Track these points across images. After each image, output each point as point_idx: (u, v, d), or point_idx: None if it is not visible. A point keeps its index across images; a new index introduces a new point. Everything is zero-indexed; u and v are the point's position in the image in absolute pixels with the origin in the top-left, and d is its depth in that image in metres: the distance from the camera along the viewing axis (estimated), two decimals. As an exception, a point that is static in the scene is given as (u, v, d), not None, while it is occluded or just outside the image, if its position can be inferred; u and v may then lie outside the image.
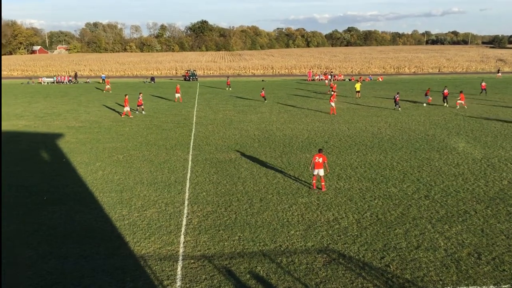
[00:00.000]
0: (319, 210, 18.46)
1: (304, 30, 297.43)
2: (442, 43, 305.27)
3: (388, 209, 18.49)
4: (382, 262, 14.12)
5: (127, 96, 42.59)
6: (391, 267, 13.83)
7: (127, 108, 41.65)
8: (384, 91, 63.96)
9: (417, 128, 35.50)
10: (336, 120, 39.18)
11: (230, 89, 67.80)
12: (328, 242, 15.56)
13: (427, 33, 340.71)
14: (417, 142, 30.52)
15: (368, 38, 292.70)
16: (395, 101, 45.38)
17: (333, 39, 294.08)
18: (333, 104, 43.38)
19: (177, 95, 53.83)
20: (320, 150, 21.49)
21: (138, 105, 43.85)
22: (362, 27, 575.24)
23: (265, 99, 52.79)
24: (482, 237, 15.77)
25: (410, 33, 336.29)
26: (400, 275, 13.35)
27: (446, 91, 48.04)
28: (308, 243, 15.54)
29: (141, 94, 45.55)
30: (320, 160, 20.75)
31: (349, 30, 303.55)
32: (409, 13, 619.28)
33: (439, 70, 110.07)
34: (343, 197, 19.96)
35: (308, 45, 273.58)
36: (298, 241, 15.66)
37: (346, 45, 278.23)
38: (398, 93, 47.86)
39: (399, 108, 44.62)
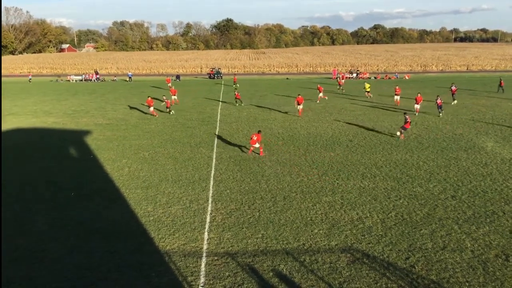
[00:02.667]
0: (343, 209, 18.35)
1: (329, 27, 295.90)
2: (471, 41, 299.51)
3: (413, 209, 18.26)
4: (407, 263, 13.96)
5: (149, 97, 42.76)
6: (416, 267, 13.66)
7: (151, 108, 41.85)
8: (411, 89, 63.04)
9: (444, 127, 34.91)
10: (360, 119, 38.83)
11: (238, 85, 68.59)
12: (352, 242, 15.47)
13: (455, 31, 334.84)
14: (444, 141, 30.02)
15: (394, 36, 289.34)
16: (438, 106, 40.78)
17: (359, 37, 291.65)
18: (300, 106, 40.44)
19: (173, 97, 49.05)
20: (259, 131, 27.68)
21: (167, 107, 43.93)
22: (389, 24, 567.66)
23: (241, 102, 48.34)
24: (510, 239, 15.45)
25: (438, 30, 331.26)
26: (425, 276, 13.19)
27: (454, 87, 47.41)
28: (331, 242, 15.47)
29: (164, 97, 45.86)
30: (255, 138, 26.52)
31: (375, 27, 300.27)
32: (437, 11, 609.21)
33: (467, 68, 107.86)
34: (368, 196, 19.80)
35: (333, 43, 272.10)
36: (321, 240, 15.61)
37: (372, 43, 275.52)
38: (438, 96, 42.33)
39: (441, 113, 40.13)
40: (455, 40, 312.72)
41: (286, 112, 42.70)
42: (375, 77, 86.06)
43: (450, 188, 20.72)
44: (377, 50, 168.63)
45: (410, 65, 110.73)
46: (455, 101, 46.90)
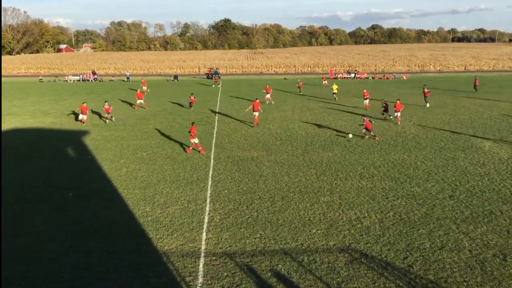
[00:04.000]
0: (341, 209, 18.38)
1: (327, 28, 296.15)
2: (469, 41, 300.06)
3: (411, 209, 18.30)
4: (405, 262, 13.99)
5: (84, 104, 38.52)
6: (414, 267, 13.69)
7: (83, 116, 38.83)
8: (409, 89, 63.17)
9: (442, 126, 34.97)
10: (359, 119, 38.83)
11: (219, 86, 70.70)
12: (350, 242, 15.49)
13: (453, 31, 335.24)
14: (441, 141, 30.07)
15: (392, 36, 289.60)
16: (424, 96, 44.86)
17: (357, 37, 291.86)
18: (256, 113, 36.16)
19: (139, 101, 46.29)
20: (192, 123, 28.27)
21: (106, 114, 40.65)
22: (387, 24, 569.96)
23: (190, 106, 45.93)
24: (508, 238, 15.49)
25: (435, 30, 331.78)
26: (423, 275, 13.21)
27: (426, 90, 45.93)
28: (329, 242, 15.49)
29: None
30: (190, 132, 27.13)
31: (373, 27, 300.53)
32: (435, 11, 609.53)
33: (465, 68, 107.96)
34: (366, 196, 19.82)
35: (331, 43, 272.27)
36: (319, 240, 15.62)
37: (370, 43, 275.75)
38: (425, 85, 45.80)
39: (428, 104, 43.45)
40: (452, 40, 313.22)
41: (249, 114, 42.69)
42: (372, 77, 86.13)
43: (448, 188, 20.76)
44: (375, 50, 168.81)
45: (408, 65, 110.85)
46: (428, 104, 45.22)
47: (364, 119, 31.13)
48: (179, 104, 49.18)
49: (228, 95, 58.65)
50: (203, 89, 65.93)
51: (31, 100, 55.20)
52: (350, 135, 31.53)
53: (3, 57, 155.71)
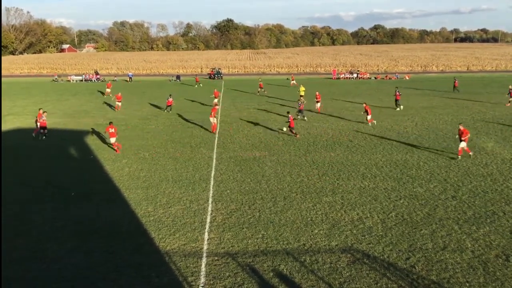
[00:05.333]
0: (343, 209, 18.34)
1: (329, 28, 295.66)
2: (471, 41, 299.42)
3: (414, 209, 18.25)
4: (408, 263, 13.95)
5: (41, 110, 34.10)
6: (417, 268, 13.65)
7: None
8: (411, 90, 63.11)
9: (444, 127, 34.91)
10: (361, 119, 38.81)
11: (201, 85, 71.93)
12: (352, 242, 15.45)
13: (455, 31, 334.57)
14: (444, 141, 30.01)
15: (395, 36, 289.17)
16: (395, 100, 44.40)
17: (359, 37, 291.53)
18: (214, 120, 34.27)
19: (118, 103, 45.82)
20: (110, 123, 28.61)
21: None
22: (389, 25, 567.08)
23: (168, 109, 44.48)
24: (510, 239, 15.43)
25: (438, 30, 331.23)
26: (425, 276, 13.17)
27: (398, 93, 44.69)
28: (332, 242, 15.46)
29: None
30: (112, 130, 27.81)
31: (376, 28, 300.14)
32: (437, 11, 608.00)
33: (467, 69, 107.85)
34: (368, 197, 19.78)
35: (333, 43, 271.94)
36: (322, 240, 15.59)
37: (372, 43, 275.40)
38: (397, 88, 45.59)
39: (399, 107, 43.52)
40: (455, 40, 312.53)
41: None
42: (375, 77, 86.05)
43: (451, 189, 20.70)
44: (377, 50, 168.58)
45: (411, 65, 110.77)
46: (401, 107, 44.25)
47: (289, 116, 31.81)
48: (182, 104, 49.18)
49: (231, 95, 58.62)
50: (206, 89, 65.85)
51: (33, 100, 55.29)
52: (284, 129, 32.60)
53: (5, 57, 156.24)
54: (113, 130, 28.03)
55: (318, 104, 43.45)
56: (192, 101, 52.93)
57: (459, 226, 16.60)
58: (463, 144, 25.13)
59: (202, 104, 49.68)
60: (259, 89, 59.98)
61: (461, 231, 16.12)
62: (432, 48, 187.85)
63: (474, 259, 14.08)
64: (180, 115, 41.99)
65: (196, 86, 71.84)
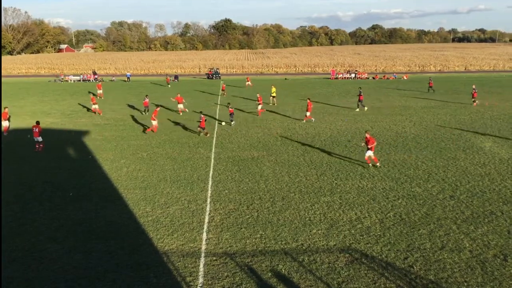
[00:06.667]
0: (342, 209, 18.36)
1: (327, 28, 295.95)
2: (469, 41, 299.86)
3: (412, 209, 18.28)
4: (406, 263, 13.97)
5: (6, 109, 34.23)
6: (415, 267, 13.67)
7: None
8: (410, 90, 63.19)
9: (442, 127, 34.96)
10: (359, 119, 38.88)
11: (169, 86, 72.25)
12: (351, 242, 15.47)
13: (453, 31, 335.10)
14: (442, 141, 30.05)
15: (393, 36, 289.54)
16: (359, 100, 43.88)
17: (357, 37, 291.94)
18: (154, 122, 34.20)
19: (95, 106, 43.91)
20: (37, 123, 28.92)
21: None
22: (387, 25, 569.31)
23: (146, 110, 43.55)
24: (508, 239, 15.46)
25: (436, 30, 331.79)
26: (423, 276, 13.19)
27: (361, 94, 44.15)
28: (330, 242, 15.47)
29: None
30: (36, 130, 28.31)
31: (374, 28, 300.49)
32: (434, 11, 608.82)
33: (465, 68, 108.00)
34: (366, 197, 19.80)
35: (331, 43, 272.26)
36: (320, 240, 15.60)
37: (370, 43, 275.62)
38: (360, 88, 45.98)
39: (363, 108, 43.73)
40: (453, 40, 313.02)
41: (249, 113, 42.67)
42: (373, 77, 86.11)
43: (449, 188, 20.74)
44: (375, 50, 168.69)
45: (409, 65, 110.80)
46: (358, 109, 43.87)
47: (201, 116, 32.51)
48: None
49: (229, 95, 58.60)
50: (204, 90, 65.81)
51: (31, 101, 55.21)
52: (223, 123, 34.33)
53: (3, 57, 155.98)
54: (36, 129, 28.70)
55: (259, 107, 42.05)
56: (207, 99, 52.85)
57: (457, 226, 16.63)
58: (369, 153, 24.03)
59: (215, 103, 49.65)
60: (221, 91, 60.14)
61: (459, 231, 16.15)
62: (430, 48, 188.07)
63: (472, 259, 14.11)
64: (177, 115, 41.94)
65: (169, 86, 72.13)
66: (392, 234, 16.04)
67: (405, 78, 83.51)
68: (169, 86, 71.97)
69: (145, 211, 18.48)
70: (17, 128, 36.57)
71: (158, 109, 35.96)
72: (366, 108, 44.04)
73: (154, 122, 34.02)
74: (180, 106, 43.52)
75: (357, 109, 43.77)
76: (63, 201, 19.72)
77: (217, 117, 40.42)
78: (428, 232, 16.10)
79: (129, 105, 49.25)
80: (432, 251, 14.70)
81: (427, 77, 69.21)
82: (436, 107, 45.35)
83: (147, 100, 44.01)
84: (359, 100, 44.11)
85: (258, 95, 43.81)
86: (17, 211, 18.53)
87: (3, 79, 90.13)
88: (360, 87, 48.36)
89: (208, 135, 32.29)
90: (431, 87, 59.15)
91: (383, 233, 16.14)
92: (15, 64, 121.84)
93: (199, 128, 32.59)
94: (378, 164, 24.28)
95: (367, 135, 24.32)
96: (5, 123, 33.59)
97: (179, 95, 44.34)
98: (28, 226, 17.08)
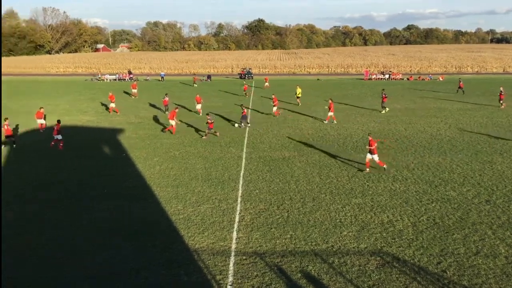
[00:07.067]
0: (373, 212, 18.15)
1: (361, 28, 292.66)
2: (508, 42, 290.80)
3: (446, 213, 17.91)
4: (439, 268, 13.71)
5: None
6: (448, 272, 13.40)
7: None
8: (445, 92, 61.88)
9: (478, 129, 34.09)
10: (392, 121, 38.31)
11: (195, 85, 72.35)
12: (382, 245, 15.28)
13: (491, 31, 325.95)
14: (478, 144, 29.32)
15: (428, 36, 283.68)
16: (382, 102, 42.84)
17: (392, 37, 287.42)
18: (172, 122, 33.99)
19: (112, 105, 44.42)
20: (58, 121, 29.62)
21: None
22: (422, 25, 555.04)
23: (166, 109, 43.90)
24: (547, 246, 14.98)
25: (473, 31, 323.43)
26: (457, 281, 12.92)
27: (384, 95, 43.22)
28: (361, 244, 15.32)
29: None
30: (55, 128, 29.04)
31: (409, 28, 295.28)
32: (471, 11, 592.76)
33: (503, 70, 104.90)
34: (399, 199, 19.51)
35: (365, 44, 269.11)
36: (350, 242, 15.47)
37: (405, 44, 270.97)
38: (383, 90, 43.92)
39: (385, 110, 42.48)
40: (491, 41, 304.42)
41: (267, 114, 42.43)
42: (407, 78, 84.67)
43: (484, 193, 20.22)
44: (410, 51, 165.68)
45: (445, 66, 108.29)
46: (385, 110, 43.11)
47: (208, 119, 31.97)
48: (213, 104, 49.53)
49: (260, 95, 58.71)
50: (236, 89, 66.10)
51: (67, 99, 56.60)
52: (236, 125, 34.11)
53: (42, 56, 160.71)
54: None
55: (275, 108, 41.90)
56: (239, 99, 53.20)
57: (492, 231, 16.20)
58: (375, 157, 23.48)
59: (237, 104, 49.86)
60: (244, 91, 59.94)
61: (494, 236, 15.74)
62: (467, 49, 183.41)
63: (507, 265, 13.73)
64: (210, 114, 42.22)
65: (196, 85, 72.43)
66: (425, 238, 15.76)
67: (440, 79, 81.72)
68: (195, 85, 72.35)
69: (177, 209, 18.72)
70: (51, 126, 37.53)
71: (177, 110, 35.78)
72: (387, 109, 43.23)
73: (172, 122, 33.99)
74: (198, 106, 43.76)
75: (383, 111, 43.08)
76: (96, 198, 20.15)
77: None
78: (462, 237, 15.75)
79: (162, 104, 49.82)
80: (466, 256, 14.37)
81: (463, 79, 67.56)
82: (472, 109, 44.26)
83: (167, 98, 44.52)
84: (382, 102, 43.50)
85: (273, 96, 43.63)
86: (53, 209, 19.03)
87: (41, 78, 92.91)
88: (383, 89, 47.65)
89: (205, 138, 31.80)
90: (460, 88, 57.84)
91: (415, 236, 15.87)
92: (53, 63, 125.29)
93: (208, 130, 32.01)
94: (384, 166, 23.89)
95: (370, 138, 23.86)
96: (40, 121, 35.85)
97: (198, 96, 44.79)
98: (61, 223, 17.51)
